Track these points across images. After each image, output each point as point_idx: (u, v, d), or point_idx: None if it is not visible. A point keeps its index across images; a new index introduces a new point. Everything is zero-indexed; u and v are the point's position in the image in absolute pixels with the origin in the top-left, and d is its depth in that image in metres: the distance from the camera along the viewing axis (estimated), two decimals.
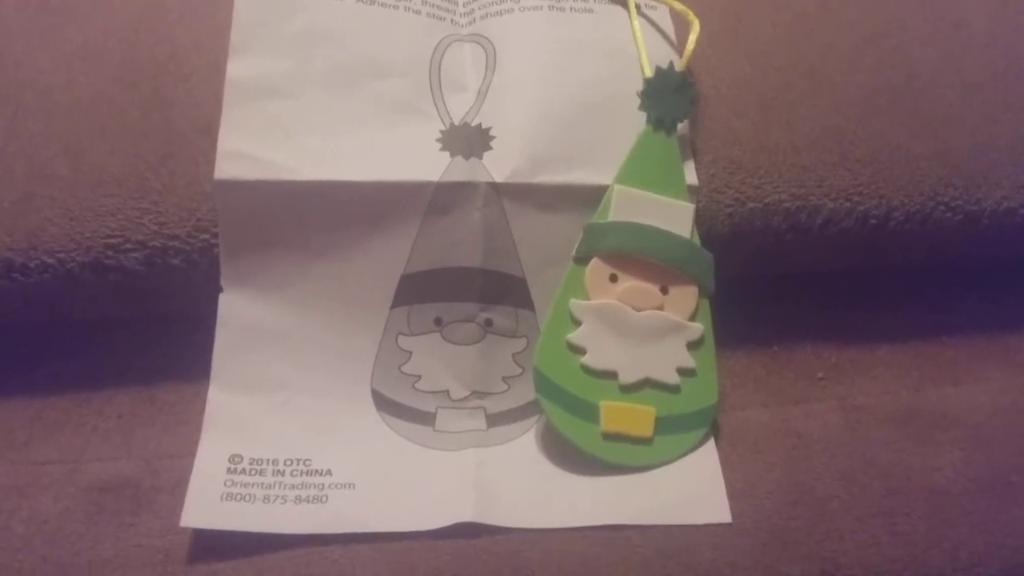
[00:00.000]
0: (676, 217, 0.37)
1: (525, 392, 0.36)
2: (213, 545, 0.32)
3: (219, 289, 0.36)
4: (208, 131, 0.37)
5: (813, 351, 0.41)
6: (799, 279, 0.41)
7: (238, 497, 0.33)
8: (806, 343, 0.41)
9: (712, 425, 0.36)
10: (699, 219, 0.38)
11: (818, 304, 0.42)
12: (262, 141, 0.36)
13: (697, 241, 0.37)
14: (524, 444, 0.36)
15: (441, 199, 0.36)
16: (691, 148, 0.39)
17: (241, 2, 0.38)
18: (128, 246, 0.36)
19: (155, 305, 0.38)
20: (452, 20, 0.40)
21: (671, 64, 0.38)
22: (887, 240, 0.40)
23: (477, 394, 0.37)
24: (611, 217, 0.36)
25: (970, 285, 0.43)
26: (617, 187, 0.36)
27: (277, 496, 0.33)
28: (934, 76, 0.41)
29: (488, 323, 0.37)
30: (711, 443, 0.36)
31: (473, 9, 0.41)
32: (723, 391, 0.37)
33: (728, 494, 0.34)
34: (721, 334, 0.37)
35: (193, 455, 0.35)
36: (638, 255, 0.36)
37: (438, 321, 0.37)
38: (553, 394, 0.35)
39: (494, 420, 0.37)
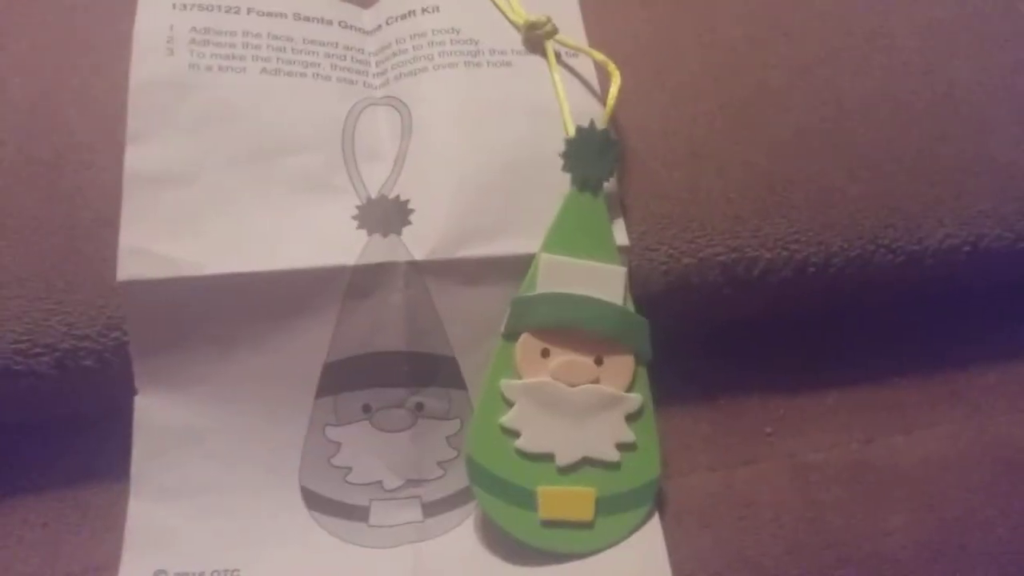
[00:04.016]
0: (607, 283, 0.35)
1: (461, 476, 0.35)
2: None
3: (134, 390, 0.34)
4: (112, 223, 0.35)
5: (760, 402, 0.39)
6: (741, 328, 0.40)
7: None
8: (753, 394, 0.40)
9: (656, 499, 0.35)
10: (633, 278, 0.36)
11: (762, 353, 0.40)
12: (164, 234, 0.34)
13: (631, 306, 0.36)
14: (462, 534, 0.35)
15: (360, 282, 0.34)
16: (620, 206, 0.37)
17: (136, 85, 0.36)
18: (37, 350, 0.34)
19: (72, 406, 0.37)
20: (364, 83, 0.39)
21: (592, 123, 0.36)
22: (828, 286, 0.39)
23: (412, 482, 0.35)
24: (539, 288, 0.35)
25: (916, 323, 0.41)
26: (543, 256, 0.35)
27: None
28: (867, 109, 0.40)
29: (419, 407, 0.35)
30: (655, 520, 0.35)
31: (386, 69, 0.39)
32: (669, 454, 0.36)
33: (674, 573, 0.33)
34: (665, 391, 0.36)
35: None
36: (569, 327, 0.35)
37: (366, 408, 0.35)
38: (488, 483, 0.34)
39: (431, 509, 0.35)
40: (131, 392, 0.35)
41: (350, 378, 0.35)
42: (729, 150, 0.38)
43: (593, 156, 0.36)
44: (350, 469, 0.35)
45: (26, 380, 0.35)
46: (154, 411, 0.34)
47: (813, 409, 0.39)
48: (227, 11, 0.38)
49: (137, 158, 0.35)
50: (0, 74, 0.38)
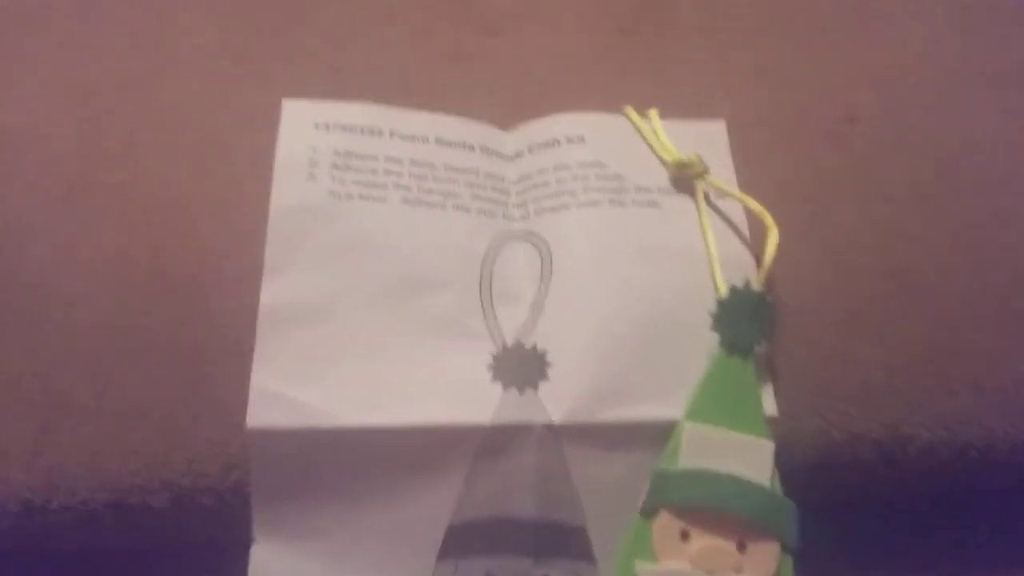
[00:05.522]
0: (754, 459, 0.33)
1: None
2: None
3: (251, 537, 0.33)
4: (240, 353, 0.34)
5: None
6: (891, 509, 0.37)
7: None
8: None
9: None
10: (778, 450, 0.34)
11: (913, 537, 0.37)
12: (298, 377, 0.33)
13: (778, 487, 0.33)
14: None
15: (492, 442, 0.33)
16: (770, 371, 0.35)
17: (277, 212, 0.35)
18: (154, 485, 0.33)
19: (183, 540, 0.36)
20: (504, 214, 0.37)
21: (747, 283, 0.34)
22: (991, 470, 0.36)
23: None
24: (681, 461, 0.33)
25: None
26: (688, 426, 0.33)
27: None
28: None
29: None
30: None
31: (527, 201, 0.37)
32: None
33: None
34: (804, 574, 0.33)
35: None
36: (712, 508, 0.33)
37: None
38: None
39: None
40: (246, 533, 0.33)
41: (474, 543, 0.33)
42: (890, 314, 0.36)
43: (746, 318, 0.34)
44: None
45: (140, 514, 0.33)
46: (271, 563, 0.33)
47: None
48: (370, 133, 0.37)
49: (274, 292, 0.34)
50: (133, 179, 0.38)
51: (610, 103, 0.40)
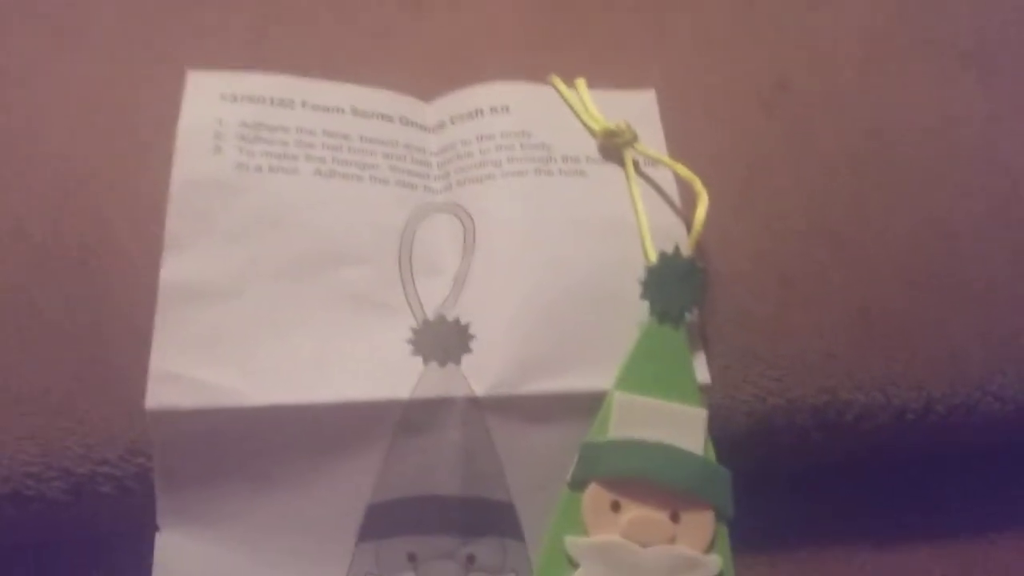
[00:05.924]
0: (686, 428, 0.32)
1: None
2: None
3: (156, 526, 0.31)
4: (143, 334, 0.31)
5: (845, 556, 0.36)
6: (825, 472, 0.36)
7: None
8: (836, 546, 0.36)
9: None
10: (713, 418, 0.33)
11: (848, 499, 0.37)
12: (202, 357, 0.31)
13: (712, 454, 0.32)
14: None
15: (412, 418, 0.31)
16: (702, 338, 0.33)
17: (178, 186, 0.33)
18: (51, 474, 0.31)
19: (83, 531, 0.33)
20: (425, 187, 0.36)
21: (676, 249, 0.33)
22: (927, 433, 0.35)
23: None
24: (611, 432, 0.31)
25: (1018, 473, 0.37)
26: (618, 396, 0.32)
27: None
28: (978, 238, 0.36)
29: (470, 559, 0.32)
30: None
31: (449, 172, 0.36)
32: None
33: None
34: (739, 539, 0.32)
35: None
36: (643, 478, 0.31)
37: (412, 557, 0.31)
38: None
39: None
40: (150, 521, 0.31)
41: (395, 523, 0.31)
42: (823, 279, 0.35)
43: (676, 285, 0.33)
44: None
45: (37, 505, 0.31)
46: (178, 552, 0.31)
47: (901, 565, 0.35)
48: (280, 104, 0.35)
49: (175, 269, 0.32)
50: (32, 151, 0.35)
51: (540, 76, 0.39)
